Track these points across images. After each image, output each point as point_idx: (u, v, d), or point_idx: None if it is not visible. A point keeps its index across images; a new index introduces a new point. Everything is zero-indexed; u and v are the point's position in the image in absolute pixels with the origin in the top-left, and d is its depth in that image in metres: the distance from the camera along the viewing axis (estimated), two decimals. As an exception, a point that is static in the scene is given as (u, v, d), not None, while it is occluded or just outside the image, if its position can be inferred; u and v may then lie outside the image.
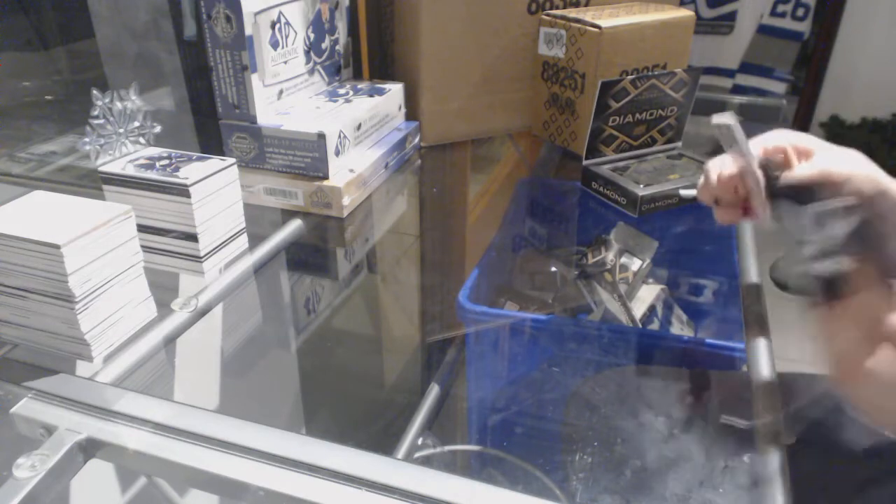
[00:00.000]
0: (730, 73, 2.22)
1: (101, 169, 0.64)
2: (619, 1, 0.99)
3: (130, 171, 0.63)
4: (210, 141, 0.83)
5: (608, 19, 0.87)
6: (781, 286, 0.71)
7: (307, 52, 0.86)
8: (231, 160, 0.67)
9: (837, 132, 2.18)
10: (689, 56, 0.94)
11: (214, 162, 0.66)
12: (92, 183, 0.66)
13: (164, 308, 0.60)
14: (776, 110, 1.30)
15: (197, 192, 0.62)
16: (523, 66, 0.99)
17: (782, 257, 0.76)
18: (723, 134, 0.49)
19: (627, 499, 0.56)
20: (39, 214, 0.53)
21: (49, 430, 0.47)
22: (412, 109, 0.97)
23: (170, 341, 0.58)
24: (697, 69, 0.88)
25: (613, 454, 0.62)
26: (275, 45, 0.79)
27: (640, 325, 0.74)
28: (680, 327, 0.80)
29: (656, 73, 0.89)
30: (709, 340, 0.66)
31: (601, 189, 0.84)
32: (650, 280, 0.80)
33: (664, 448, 0.60)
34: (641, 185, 0.81)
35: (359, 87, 0.93)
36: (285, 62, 0.82)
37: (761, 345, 0.56)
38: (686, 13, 0.92)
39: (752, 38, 2.17)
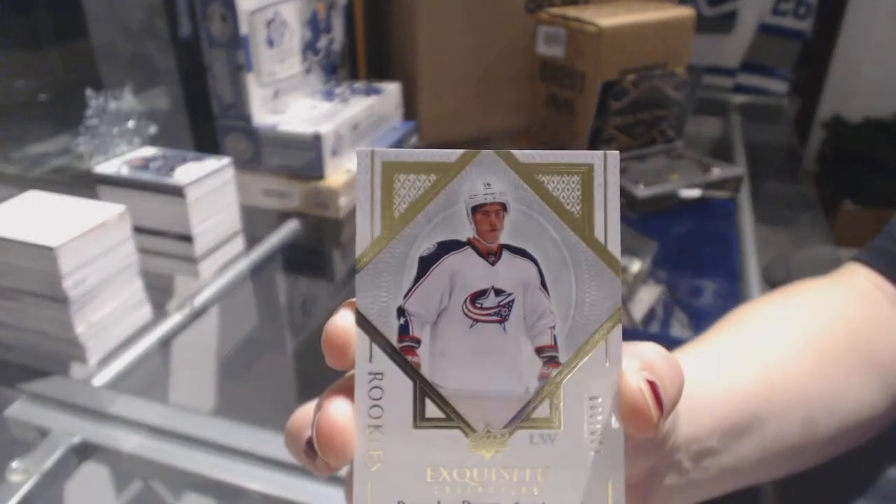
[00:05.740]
0: (731, 73, 2.21)
1: (96, 169, 0.64)
2: None
3: (125, 171, 0.63)
4: (205, 141, 0.82)
5: (608, 18, 0.87)
6: (774, 287, 0.70)
7: (303, 52, 0.86)
8: (226, 160, 0.66)
9: (839, 132, 2.18)
10: (689, 55, 0.94)
11: (210, 162, 0.65)
12: (86, 183, 0.66)
13: (159, 310, 0.59)
14: (778, 110, 1.30)
15: (192, 192, 0.62)
16: (521, 66, 0.98)
17: (776, 258, 0.75)
18: None
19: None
20: (34, 215, 0.52)
21: (43, 433, 0.46)
22: (409, 109, 0.97)
23: (165, 343, 0.57)
24: (699, 69, 0.87)
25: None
26: (270, 44, 0.79)
27: (641, 327, 0.73)
28: (680, 329, 0.79)
29: (657, 73, 0.88)
30: (709, 341, 0.66)
31: (600, 189, 0.84)
32: (650, 281, 0.79)
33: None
34: (641, 186, 0.80)
35: (355, 86, 0.92)
36: (281, 62, 0.81)
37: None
38: (686, 12, 0.91)
39: (753, 37, 2.16)
